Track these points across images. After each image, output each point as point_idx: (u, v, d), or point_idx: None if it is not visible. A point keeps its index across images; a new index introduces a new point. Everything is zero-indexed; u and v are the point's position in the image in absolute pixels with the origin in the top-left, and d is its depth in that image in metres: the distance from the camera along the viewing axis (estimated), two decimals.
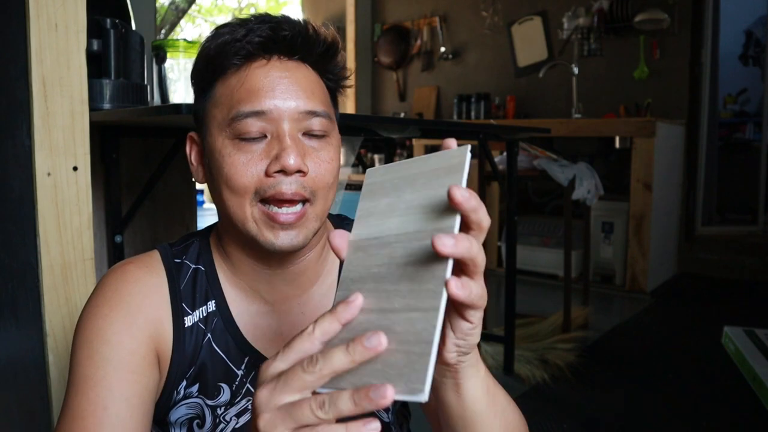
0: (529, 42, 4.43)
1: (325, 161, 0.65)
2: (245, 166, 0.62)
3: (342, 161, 2.06)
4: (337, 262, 0.76)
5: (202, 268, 0.71)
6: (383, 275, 0.44)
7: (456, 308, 0.46)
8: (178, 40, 1.38)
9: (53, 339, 1.02)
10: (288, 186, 0.61)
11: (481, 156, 2.61)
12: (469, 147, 0.44)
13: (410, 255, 0.43)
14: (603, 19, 3.97)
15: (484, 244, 0.46)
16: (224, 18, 9.39)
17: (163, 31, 6.84)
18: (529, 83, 4.43)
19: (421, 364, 0.38)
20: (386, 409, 0.73)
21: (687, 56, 3.81)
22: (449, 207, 0.42)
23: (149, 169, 1.66)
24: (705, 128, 3.95)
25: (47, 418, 1.05)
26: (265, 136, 0.62)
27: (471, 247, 0.42)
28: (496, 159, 2.77)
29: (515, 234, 2.28)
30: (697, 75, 3.85)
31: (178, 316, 0.67)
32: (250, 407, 0.67)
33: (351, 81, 0.73)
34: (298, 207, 0.63)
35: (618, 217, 3.61)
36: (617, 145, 3.63)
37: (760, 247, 3.79)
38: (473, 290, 0.43)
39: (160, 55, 1.38)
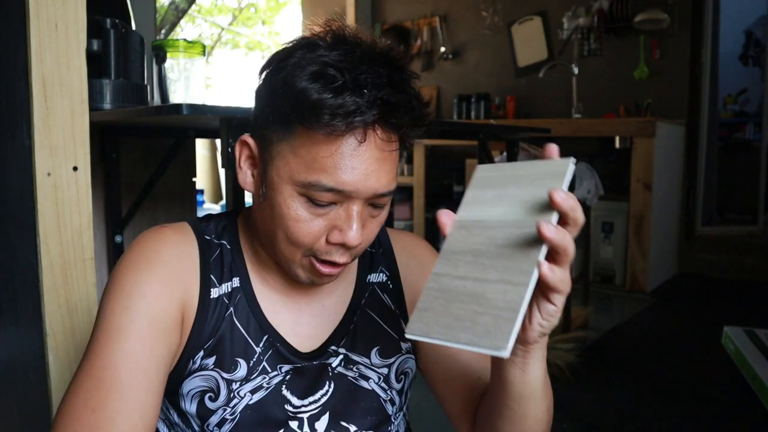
0: (529, 42, 4.43)
1: (379, 223, 0.67)
2: (308, 227, 0.62)
3: None
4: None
5: (228, 246, 0.72)
6: (482, 251, 0.51)
7: (543, 292, 0.52)
8: (178, 40, 1.38)
9: (53, 339, 1.02)
10: (341, 256, 0.64)
11: (481, 156, 2.61)
12: (572, 159, 0.51)
13: (509, 239, 0.50)
14: (603, 19, 3.97)
15: None
16: (224, 18, 9.38)
17: (163, 31, 6.84)
18: (529, 83, 4.43)
19: (508, 326, 0.45)
20: (393, 403, 0.74)
21: (687, 56, 3.81)
22: (549, 205, 0.49)
23: (149, 169, 1.66)
24: (705, 128, 3.95)
25: (47, 418, 1.05)
26: (334, 203, 0.62)
27: (565, 238, 0.49)
28: (496, 159, 2.76)
29: None
30: (697, 75, 3.85)
31: (205, 286, 0.68)
32: (265, 384, 0.68)
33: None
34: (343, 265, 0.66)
35: (618, 217, 3.61)
36: (617, 145, 3.63)
37: (760, 247, 3.79)
38: (558, 275, 0.49)
39: (160, 55, 1.38)
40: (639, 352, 2.57)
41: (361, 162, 0.60)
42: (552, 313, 0.53)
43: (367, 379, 0.73)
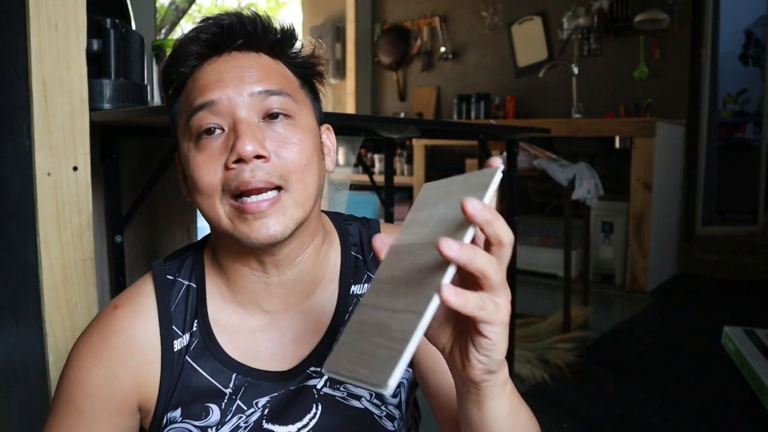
0: (529, 42, 4.42)
1: (291, 143, 0.62)
2: (207, 164, 0.61)
3: (342, 161, 2.06)
4: (338, 268, 0.73)
5: (194, 286, 0.69)
6: (402, 278, 0.46)
7: (472, 323, 0.45)
8: None
9: (53, 339, 1.02)
10: (250, 174, 0.59)
11: (481, 156, 2.61)
12: (500, 168, 0.45)
13: (426, 262, 0.44)
14: (603, 19, 3.97)
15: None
16: None
17: (163, 31, 6.84)
18: (529, 83, 4.43)
19: (394, 360, 0.40)
20: (392, 418, 0.71)
21: (687, 56, 3.80)
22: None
23: (149, 169, 1.66)
24: (705, 128, 3.95)
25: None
26: (223, 130, 0.61)
27: (475, 258, 0.41)
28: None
29: (515, 234, 2.28)
30: (697, 75, 3.85)
31: (167, 343, 0.66)
32: (242, 424, 0.66)
33: (324, 69, 0.72)
34: (270, 194, 0.60)
35: (618, 217, 3.61)
36: (617, 145, 3.63)
37: (760, 247, 3.79)
38: (471, 301, 0.42)
39: (160, 55, 1.38)
40: (639, 352, 2.57)
41: (219, 72, 0.62)
42: (488, 347, 0.46)
43: (358, 398, 0.69)
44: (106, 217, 1.61)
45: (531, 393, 2.08)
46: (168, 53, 0.66)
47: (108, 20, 1.27)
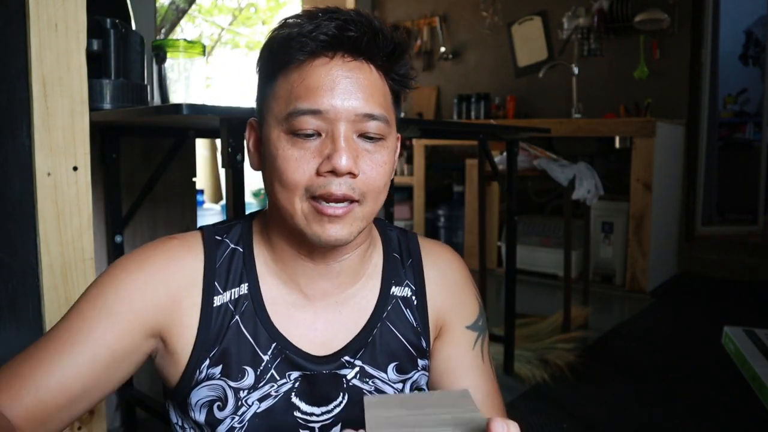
0: (529, 42, 4.43)
1: (378, 164, 0.65)
2: (297, 163, 0.63)
3: None
4: (380, 266, 0.77)
5: (241, 250, 0.72)
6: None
7: None
8: (178, 40, 1.38)
9: None
10: (337, 187, 0.62)
11: (481, 156, 2.61)
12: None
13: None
14: (603, 19, 3.97)
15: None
16: (224, 18, 9.39)
17: (163, 31, 6.84)
18: (529, 83, 4.43)
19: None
20: None
21: (687, 56, 3.81)
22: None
23: (149, 169, 1.66)
24: (705, 128, 3.95)
25: None
26: (320, 135, 0.63)
27: None
28: (496, 159, 2.77)
29: (515, 234, 2.29)
30: (697, 75, 3.85)
31: (208, 296, 0.68)
32: (273, 393, 0.68)
33: (416, 82, 0.73)
34: (346, 204, 0.64)
35: (618, 217, 3.61)
36: (617, 145, 3.63)
37: (760, 247, 3.79)
38: None
39: (160, 55, 1.38)
40: (639, 352, 2.57)
41: (331, 79, 0.63)
42: None
43: (383, 394, 0.72)
44: (106, 217, 1.61)
45: (531, 393, 2.08)
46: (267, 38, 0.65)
47: (108, 20, 1.27)
